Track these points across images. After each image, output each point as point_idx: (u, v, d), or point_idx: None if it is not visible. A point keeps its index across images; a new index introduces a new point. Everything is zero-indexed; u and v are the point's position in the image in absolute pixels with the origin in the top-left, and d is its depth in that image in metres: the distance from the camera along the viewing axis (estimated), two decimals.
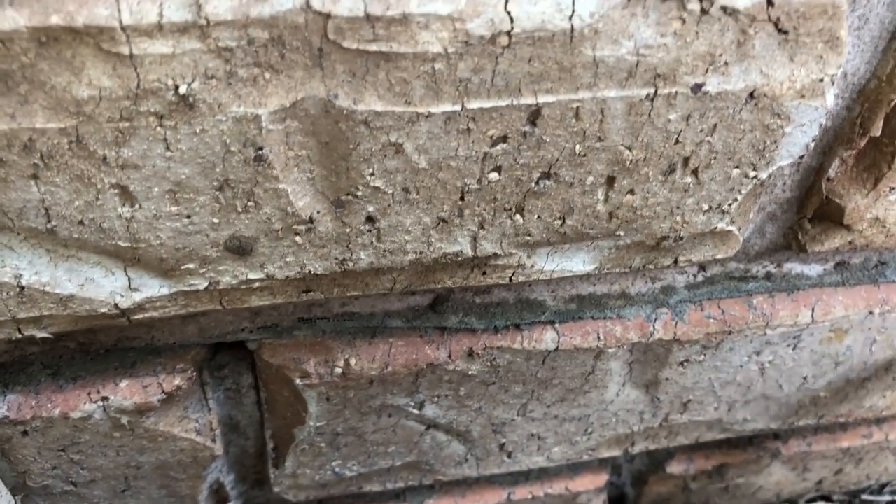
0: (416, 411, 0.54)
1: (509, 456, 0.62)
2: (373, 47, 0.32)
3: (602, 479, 0.69)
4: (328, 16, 0.31)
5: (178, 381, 0.46)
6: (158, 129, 0.33)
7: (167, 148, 0.34)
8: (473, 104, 0.35)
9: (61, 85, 0.31)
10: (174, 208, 0.36)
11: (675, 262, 0.47)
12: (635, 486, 0.76)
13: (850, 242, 0.50)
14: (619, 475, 0.76)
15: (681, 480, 0.73)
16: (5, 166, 0.33)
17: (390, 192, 0.38)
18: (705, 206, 0.44)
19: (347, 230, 0.39)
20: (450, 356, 0.50)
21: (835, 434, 0.74)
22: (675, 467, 0.71)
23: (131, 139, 0.33)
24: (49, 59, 0.30)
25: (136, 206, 0.36)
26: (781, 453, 0.74)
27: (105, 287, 0.39)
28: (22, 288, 0.38)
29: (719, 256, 0.48)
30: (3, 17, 0.29)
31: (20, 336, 0.40)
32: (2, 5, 0.29)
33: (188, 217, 0.37)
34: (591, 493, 0.70)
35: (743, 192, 0.43)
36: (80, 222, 0.36)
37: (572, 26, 0.34)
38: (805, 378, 0.63)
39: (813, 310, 0.56)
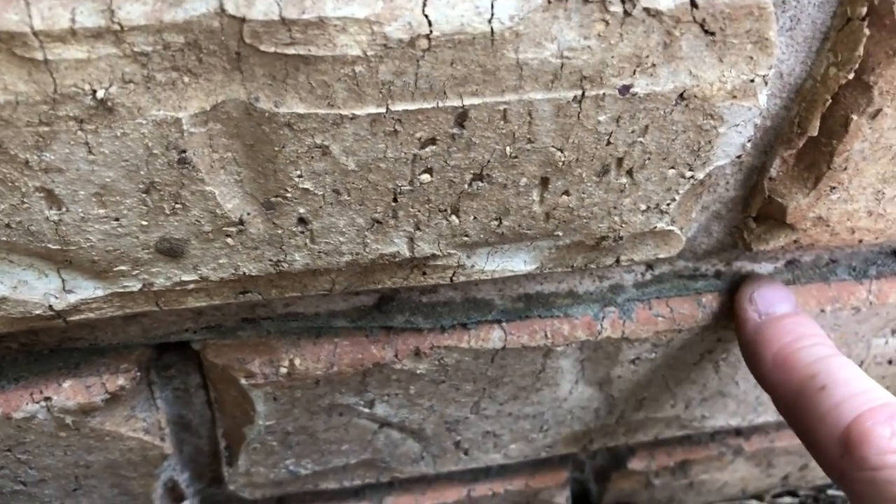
0: (366, 410, 0.54)
1: (465, 453, 0.62)
2: (291, 50, 0.33)
3: (562, 475, 0.70)
4: (243, 20, 0.31)
5: (121, 381, 0.46)
6: (79, 133, 0.33)
7: (89, 152, 0.34)
8: (398, 106, 0.36)
9: None
10: (101, 211, 0.36)
11: (618, 261, 0.47)
12: (598, 483, 0.76)
13: (795, 241, 0.50)
14: (583, 471, 0.76)
15: (643, 477, 0.74)
16: None
17: (320, 193, 0.38)
18: (643, 207, 0.44)
19: (279, 232, 0.39)
20: (396, 355, 0.51)
21: None
22: (636, 464, 0.72)
23: (52, 143, 0.33)
24: None
25: (63, 209, 0.36)
26: (744, 450, 0.74)
27: (38, 289, 0.39)
28: None
29: (662, 256, 0.48)
30: None
31: None
32: None
33: (116, 220, 0.37)
34: (552, 490, 0.70)
35: (681, 192, 0.44)
36: (7, 225, 0.36)
37: (492, 29, 0.34)
38: None
39: None
